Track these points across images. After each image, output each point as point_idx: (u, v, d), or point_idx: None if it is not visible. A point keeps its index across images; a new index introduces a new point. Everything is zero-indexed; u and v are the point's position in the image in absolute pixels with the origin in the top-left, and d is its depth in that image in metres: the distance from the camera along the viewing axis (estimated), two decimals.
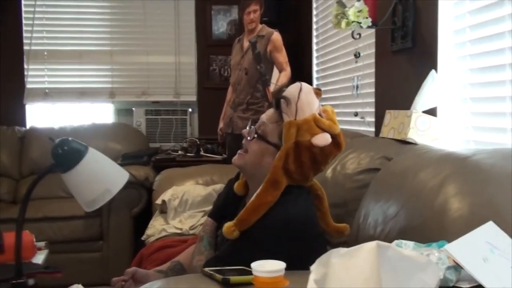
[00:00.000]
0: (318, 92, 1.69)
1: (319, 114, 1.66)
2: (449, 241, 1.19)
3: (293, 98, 1.63)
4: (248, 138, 1.75)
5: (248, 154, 1.74)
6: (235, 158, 1.78)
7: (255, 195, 1.62)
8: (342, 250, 0.87)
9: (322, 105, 1.73)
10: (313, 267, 0.87)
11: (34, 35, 5.01)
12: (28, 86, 5.02)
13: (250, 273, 1.14)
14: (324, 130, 1.62)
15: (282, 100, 1.66)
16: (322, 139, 1.60)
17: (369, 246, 0.84)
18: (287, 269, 1.14)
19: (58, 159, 1.58)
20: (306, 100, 1.63)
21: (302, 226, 1.62)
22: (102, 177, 1.62)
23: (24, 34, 5.00)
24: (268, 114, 1.76)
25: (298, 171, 1.63)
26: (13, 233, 1.52)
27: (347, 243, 2.02)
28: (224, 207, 1.92)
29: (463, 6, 2.14)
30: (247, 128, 1.79)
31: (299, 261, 1.40)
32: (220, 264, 1.51)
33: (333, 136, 1.64)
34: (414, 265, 0.90)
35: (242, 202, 1.85)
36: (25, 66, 5.01)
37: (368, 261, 0.82)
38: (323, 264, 0.86)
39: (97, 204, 1.62)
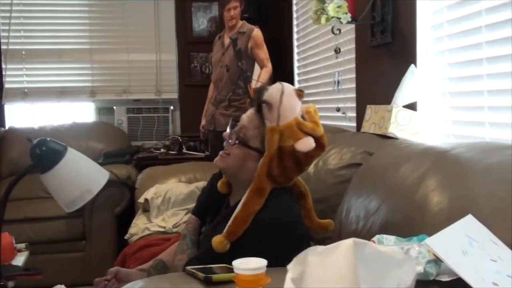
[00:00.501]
0: (300, 93, 1.66)
1: (302, 116, 1.64)
2: (430, 234, 1.20)
3: (275, 103, 1.60)
4: (230, 142, 1.73)
5: (230, 158, 1.73)
6: (217, 160, 1.77)
7: (240, 204, 1.61)
8: (319, 248, 0.87)
9: (305, 102, 1.72)
10: (290, 266, 0.87)
11: (12, 34, 4.94)
12: (7, 86, 4.95)
13: (232, 271, 1.14)
14: (307, 134, 1.60)
15: (263, 105, 1.64)
16: (306, 144, 1.58)
17: (346, 244, 0.85)
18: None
19: (37, 159, 1.56)
20: (288, 104, 1.60)
21: (286, 228, 1.62)
22: (81, 177, 1.61)
23: (1, 34, 4.93)
24: (249, 117, 1.73)
25: (282, 175, 1.62)
26: None
27: (331, 239, 2.04)
28: (207, 204, 1.92)
29: (441, 0, 2.16)
30: (228, 129, 1.77)
31: (282, 262, 1.43)
32: (201, 264, 1.51)
33: (317, 138, 1.62)
34: (391, 262, 0.91)
35: (226, 200, 1.85)
36: (3, 66, 4.94)
37: (345, 259, 0.82)
38: (300, 262, 0.86)
39: (77, 205, 1.61)
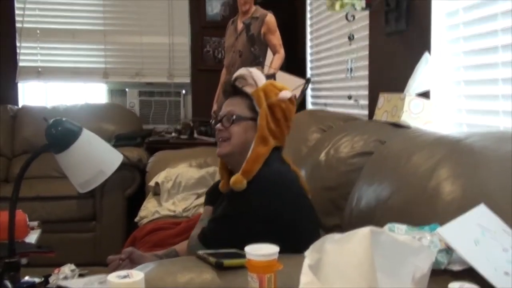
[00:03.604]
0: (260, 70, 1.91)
1: None
2: (441, 224, 1.21)
3: (246, 72, 1.85)
4: (226, 125, 1.84)
5: (232, 138, 1.84)
6: (220, 150, 1.87)
7: (250, 150, 1.77)
8: (336, 235, 0.88)
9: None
10: (307, 253, 0.88)
11: (27, 12, 4.95)
12: (21, 64, 4.97)
13: (243, 256, 1.14)
14: (280, 89, 1.84)
15: (237, 82, 1.86)
16: (286, 93, 1.82)
17: (363, 232, 0.85)
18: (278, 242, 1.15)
19: (52, 139, 1.57)
20: (256, 71, 1.87)
21: (286, 183, 1.79)
22: (96, 158, 1.62)
23: (16, 12, 4.93)
24: (227, 103, 1.90)
25: (277, 130, 1.81)
26: (6, 212, 1.52)
27: (340, 226, 2.04)
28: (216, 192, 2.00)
29: None
30: (213, 123, 1.93)
31: (282, 216, 1.69)
32: (212, 231, 1.71)
33: None
34: (407, 250, 0.91)
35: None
36: (18, 44, 4.96)
37: (362, 246, 0.83)
38: (317, 249, 0.87)
39: (90, 186, 1.62)
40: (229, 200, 1.81)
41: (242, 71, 1.87)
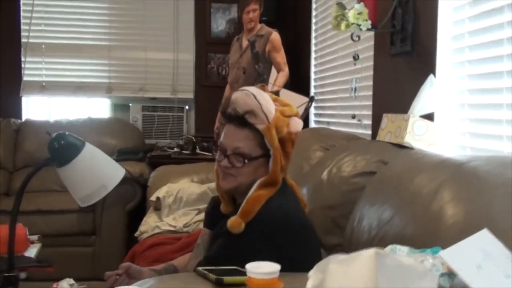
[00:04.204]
0: (263, 87, 1.79)
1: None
2: (444, 247, 1.19)
3: (256, 107, 1.65)
4: (238, 165, 1.70)
5: (240, 177, 1.71)
6: (224, 184, 1.74)
7: (253, 189, 1.65)
8: (340, 256, 0.87)
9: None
10: (311, 273, 0.87)
11: (32, 27, 4.99)
12: (25, 78, 5.00)
13: (244, 274, 1.13)
14: (289, 116, 1.71)
15: (247, 116, 1.66)
16: (298, 124, 1.72)
17: (368, 254, 0.84)
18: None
19: (55, 153, 1.57)
20: (265, 101, 1.67)
21: (292, 221, 1.68)
22: (98, 172, 1.62)
23: (22, 27, 4.97)
24: (231, 136, 1.72)
25: (287, 162, 1.73)
26: (6, 225, 1.51)
27: (341, 246, 2.03)
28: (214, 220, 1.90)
29: (462, 11, 2.14)
30: (218, 156, 1.76)
31: (291, 258, 1.52)
32: (211, 265, 1.51)
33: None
34: (413, 274, 0.90)
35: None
36: (22, 59, 4.99)
37: (366, 268, 0.82)
38: (321, 270, 0.86)
39: (92, 200, 1.62)
40: (226, 239, 1.66)
41: (251, 102, 1.65)
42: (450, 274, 1.13)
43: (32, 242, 2.24)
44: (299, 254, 1.64)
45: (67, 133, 1.59)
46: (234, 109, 1.69)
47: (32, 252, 2.14)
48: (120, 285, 1.75)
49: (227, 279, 1.36)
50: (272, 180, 1.68)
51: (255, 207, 1.62)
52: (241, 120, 1.68)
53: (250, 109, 1.65)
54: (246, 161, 1.68)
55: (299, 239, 1.67)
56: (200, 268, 1.48)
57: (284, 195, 1.72)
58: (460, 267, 1.11)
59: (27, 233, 2.15)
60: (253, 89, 1.71)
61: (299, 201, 1.81)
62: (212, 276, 1.39)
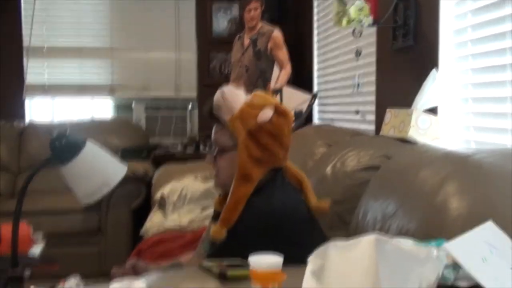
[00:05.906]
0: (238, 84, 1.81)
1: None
2: (448, 240, 1.19)
3: (219, 101, 1.69)
4: (214, 158, 1.76)
5: (220, 172, 1.75)
6: (215, 181, 1.81)
7: (230, 193, 1.64)
8: (340, 242, 0.86)
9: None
10: (310, 259, 0.86)
11: (34, 31, 4.99)
12: (28, 81, 5.01)
13: (247, 266, 1.13)
14: (260, 108, 1.66)
15: (214, 110, 1.72)
16: (265, 114, 1.64)
17: (368, 239, 0.84)
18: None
19: (56, 152, 1.57)
20: (231, 96, 1.69)
21: (285, 216, 1.63)
22: (100, 170, 1.61)
23: (24, 30, 4.98)
24: (214, 130, 1.79)
25: (266, 153, 1.65)
26: (10, 224, 1.51)
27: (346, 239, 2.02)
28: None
29: (464, 5, 2.14)
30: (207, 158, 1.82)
31: (287, 251, 1.43)
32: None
33: (275, 109, 1.67)
34: (413, 260, 0.90)
35: None
36: (25, 61, 4.99)
37: (366, 254, 0.81)
38: (320, 255, 0.85)
39: (94, 197, 1.61)
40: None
41: (216, 98, 1.72)
42: (455, 266, 1.13)
43: (36, 241, 2.24)
44: (295, 252, 1.60)
45: (67, 132, 1.59)
46: (208, 105, 1.77)
47: (36, 251, 2.14)
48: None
49: (231, 272, 1.36)
50: (243, 174, 1.64)
51: (233, 215, 1.61)
52: (210, 115, 1.75)
53: (216, 103, 1.70)
54: (216, 150, 1.73)
55: (292, 236, 1.62)
56: (203, 263, 1.48)
57: (271, 190, 1.67)
58: (465, 259, 1.11)
59: (31, 232, 2.15)
60: (226, 87, 1.74)
61: (297, 194, 1.74)
62: (216, 269, 1.39)
